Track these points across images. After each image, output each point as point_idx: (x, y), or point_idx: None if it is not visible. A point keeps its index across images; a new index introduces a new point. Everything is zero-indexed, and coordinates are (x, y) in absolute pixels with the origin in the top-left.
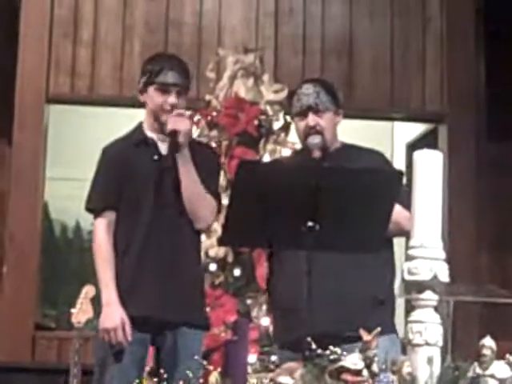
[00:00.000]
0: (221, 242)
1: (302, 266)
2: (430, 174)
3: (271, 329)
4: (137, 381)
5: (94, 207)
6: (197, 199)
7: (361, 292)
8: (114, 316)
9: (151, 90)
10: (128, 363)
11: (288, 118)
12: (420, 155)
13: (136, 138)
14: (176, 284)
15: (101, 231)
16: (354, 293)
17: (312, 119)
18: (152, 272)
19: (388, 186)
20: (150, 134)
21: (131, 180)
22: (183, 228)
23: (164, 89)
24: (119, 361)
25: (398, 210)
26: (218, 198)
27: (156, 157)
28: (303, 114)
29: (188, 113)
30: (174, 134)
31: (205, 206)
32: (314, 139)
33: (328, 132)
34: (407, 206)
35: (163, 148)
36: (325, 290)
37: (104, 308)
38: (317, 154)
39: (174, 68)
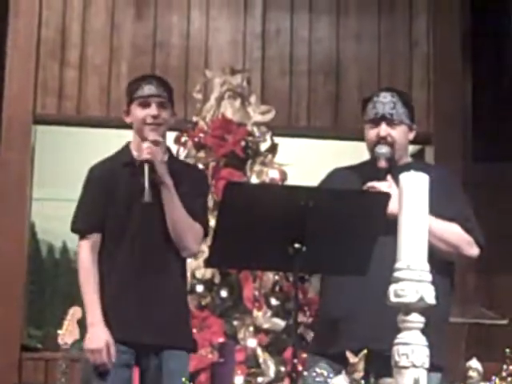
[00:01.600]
0: (208, 263)
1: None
2: (416, 195)
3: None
4: None
5: (79, 229)
6: (182, 229)
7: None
8: (98, 337)
9: (134, 107)
10: None
11: (275, 139)
12: (406, 177)
13: (123, 159)
14: (158, 307)
15: (85, 252)
16: None
17: (384, 129)
18: (133, 296)
19: (375, 208)
20: (136, 155)
21: (116, 201)
22: (167, 251)
23: (144, 102)
24: (103, 381)
25: (458, 232)
26: (205, 224)
27: (142, 180)
28: (376, 122)
29: (161, 139)
30: (143, 164)
31: (190, 235)
32: (382, 148)
33: (399, 145)
34: (469, 229)
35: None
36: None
37: (89, 329)
38: (382, 163)
39: (151, 82)
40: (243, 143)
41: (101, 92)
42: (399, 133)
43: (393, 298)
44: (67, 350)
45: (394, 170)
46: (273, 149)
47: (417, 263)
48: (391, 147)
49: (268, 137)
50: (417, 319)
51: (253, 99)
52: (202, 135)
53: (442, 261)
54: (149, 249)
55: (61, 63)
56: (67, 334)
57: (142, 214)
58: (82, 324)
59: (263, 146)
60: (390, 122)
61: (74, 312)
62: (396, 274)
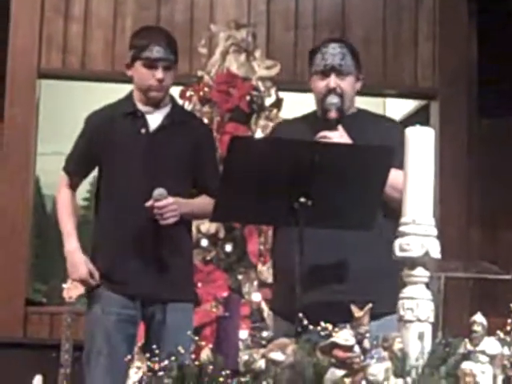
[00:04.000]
0: (212, 217)
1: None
2: (421, 150)
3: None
4: (128, 357)
5: (68, 170)
6: (204, 216)
7: (375, 262)
8: (78, 266)
9: (138, 65)
10: (118, 341)
11: (280, 94)
12: (412, 132)
13: (125, 108)
14: (163, 259)
15: (65, 187)
16: (369, 263)
17: (334, 81)
18: (138, 248)
19: (379, 162)
20: (139, 106)
21: (115, 149)
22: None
23: (150, 64)
24: (107, 340)
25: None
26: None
27: (143, 130)
28: (325, 73)
29: (170, 200)
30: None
31: (208, 212)
32: (333, 99)
33: (347, 96)
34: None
35: (152, 121)
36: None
37: (67, 257)
38: (333, 114)
39: (160, 43)
40: (248, 98)
41: (105, 46)
42: (348, 84)
43: (398, 252)
44: (72, 304)
45: (343, 120)
46: (278, 103)
47: (422, 217)
48: (340, 98)
49: (273, 91)
50: (422, 273)
51: (258, 54)
52: (206, 90)
53: (394, 210)
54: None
55: (65, 17)
56: (72, 289)
57: (144, 164)
58: None
59: (268, 101)
60: (340, 73)
61: None
62: (401, 229)
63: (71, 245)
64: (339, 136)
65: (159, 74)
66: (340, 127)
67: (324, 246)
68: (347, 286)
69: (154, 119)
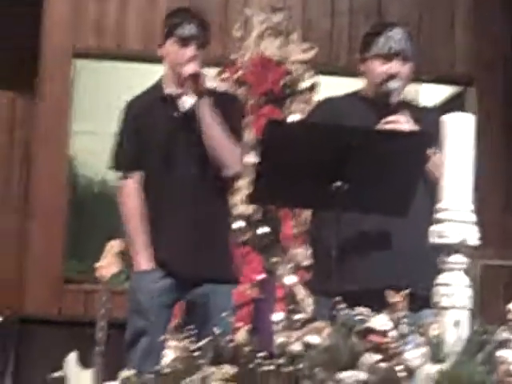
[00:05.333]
0: (250, 199)
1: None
2: (460, 136)
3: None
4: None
5: (121, 168)
6: (220, 146)
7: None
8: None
9: (170, 42)
10: (159, 325)
11: (315, 77)
12: (450, 117)
13: (155, 95)
14: (205, 241)
15: (131, 193)
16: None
17: (396, 66)
18: (181, 230)
19: (417, 148)
20: (169, 90)
21: (153, 137)
22: (208, 182)
23: (183, 42)
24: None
25: None
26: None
27: (176, 114)
28: (388, 58)
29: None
30: (194, 77)
31: (229, 152)
32: (395, 83)
33: (405, 83)
34: None
35: (183, 103)
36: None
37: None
38: (395, 98)
39: (192, 21)
40: (282, 81)
41: (141, 26)
42: (408, 70)
43: (435, 239)
44: (106, 282)
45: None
46: (313, 87)
47: (460, 204)
48: (401, 83)
49: (308, 75)
50: (458, 260)
51: (293, 37)
52: (242, 72)
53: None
54: (190, 181)
55: None
56: (105, 267)
57: (180, 147)
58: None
59: (304, 84)
60: (403, 59)
61: (113, 245)
62: (438, 215)
63: (140, 265)
64: (406, 121)
65: (191, 51)
66: (406, 112)
67: (364, 226)
68: (388, 269)
69: (185, 101)
